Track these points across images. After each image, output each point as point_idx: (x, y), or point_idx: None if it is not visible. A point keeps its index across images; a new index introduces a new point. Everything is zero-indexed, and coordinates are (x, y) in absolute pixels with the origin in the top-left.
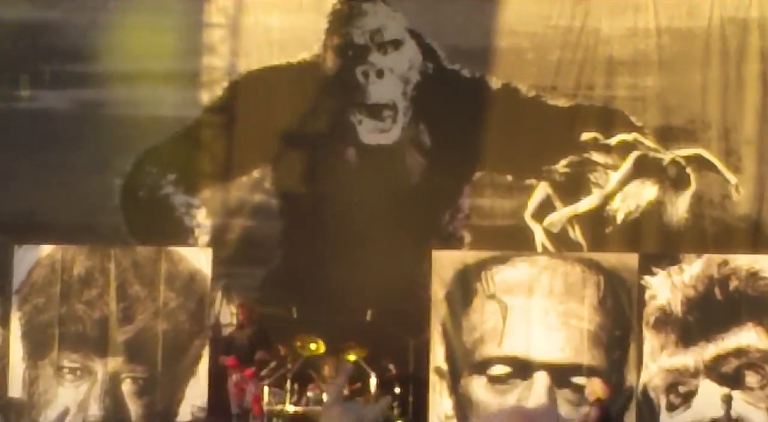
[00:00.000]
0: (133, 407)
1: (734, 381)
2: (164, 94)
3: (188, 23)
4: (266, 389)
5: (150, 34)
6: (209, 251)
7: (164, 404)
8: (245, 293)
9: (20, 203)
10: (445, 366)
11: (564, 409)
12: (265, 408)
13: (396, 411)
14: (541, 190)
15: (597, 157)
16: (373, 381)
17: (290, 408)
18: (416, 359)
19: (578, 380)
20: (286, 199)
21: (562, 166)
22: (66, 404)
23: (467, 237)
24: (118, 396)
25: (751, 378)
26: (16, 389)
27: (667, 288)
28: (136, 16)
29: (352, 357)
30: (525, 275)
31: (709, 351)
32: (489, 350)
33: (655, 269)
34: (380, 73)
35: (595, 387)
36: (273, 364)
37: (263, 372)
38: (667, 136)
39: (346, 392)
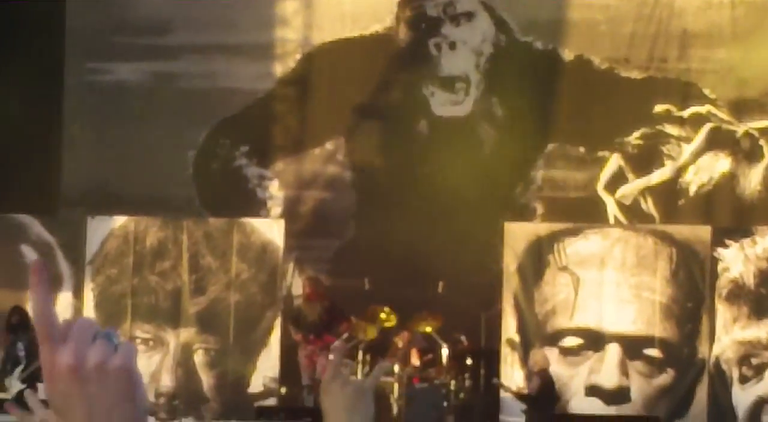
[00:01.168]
0: (205, 378)
1: None
2: (237, 66)
3: None
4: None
5: (223, 6)
6: (281, 223)
7: (236, 375)
8: (317, 265)
9: (93, 175)
10: (517, 338)
11: (635, 381)
12: None
13: (467, 383)
14: (614, 161)
15: (670, 129)
16: (444, 352)
17: None
18: (488, 331)
19: (651, 352)
20: (359, 171)
21: (634, 138)
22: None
23: (539, 209)
24: (190, 367)
25: None
26: None
27: (739, 261)
28: None
29: (424, 329)
30: (597, 247)
31: None
32: (561, 322)
33: (727, 241)
34: (453, 46)
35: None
36: (345, 336)
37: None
38: (740, 108)
39: (417, 363)
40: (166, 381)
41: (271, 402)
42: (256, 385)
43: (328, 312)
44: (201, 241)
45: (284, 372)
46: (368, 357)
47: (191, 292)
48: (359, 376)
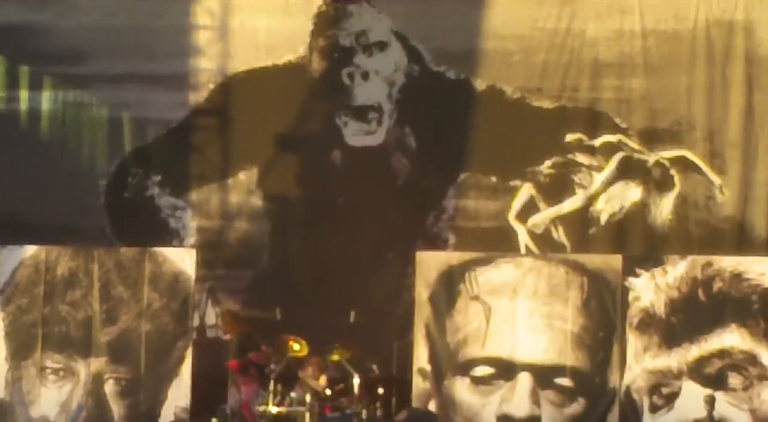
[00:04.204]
0: (116, 408)
1: (717, 382)
2: (151, 95)
3: (176, 25)
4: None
5: (138, 36)
6: (193, 252)
7: (147, 405)
8: (231, 295)
9: (4, 204)
10: (428, 367)
11: (546, 410)
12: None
13: (379, 412)
14: (525, 191)
15: (581, 158)
16: (356, 381)
17: (273, 409)
18: (400, 360)
19: (562, 381)
20: (273, 201)
21: (546, 167)
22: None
23: (451, 239)
24: (101, 397)
25: (734, 380)
26: None
27: (650, 290)
28: (123, 19)
29: (335, 358)
30: (509, 276)
31: (692, 352)
32: (472, 351)
33: (638, 270)
34: (365, 75)
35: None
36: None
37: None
38: (651, 137)
39: (329, 392)
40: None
41: None
42: (167, 415)
43: (239, 345)
44: (112, 271)
45: (196, 402)
46: (279, 387)
47: (102, 322)
48: (271, 406)
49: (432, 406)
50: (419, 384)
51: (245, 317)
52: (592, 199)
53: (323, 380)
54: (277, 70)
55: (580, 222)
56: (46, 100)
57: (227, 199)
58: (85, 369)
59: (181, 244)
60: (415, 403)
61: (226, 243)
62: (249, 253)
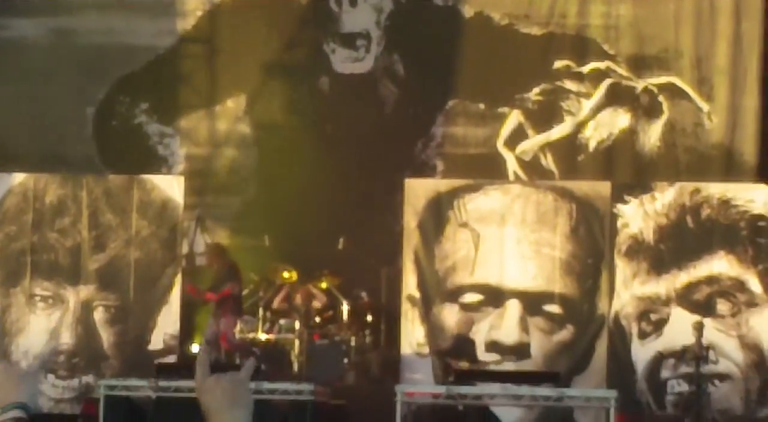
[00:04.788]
0: (105, 335)
1: (706, 308)
2: (138, 23)
3: None
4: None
5: None
6: (181, 179)
7: (136, 332)
8: (219, 223)
9: None
10: (417, 294)
11: (535, 337)
12: (238, 336)
13: (368, 340)
14: (514, 118)
15: (569, 85)
16: (345, 309)
17: (262, 336)
18: (388, 288)
19: (550, 308)
20: (261, 128)
21: (534, 94)
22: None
23: (440, 166)
24: (90, 324)
25: (723, 306)
26: None
27: (639, 217)
28: None
29: (324, 285)
30: (497, 203)
31: (680, 279)
32: (461, 278)
33: (627, 197)
34: (353, 2)
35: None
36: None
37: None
38: (639, 64)
39: (318, 319)
40: (66, 339)
41: (172, 359)
42: (156, 342)
43: (220, 276)
44: (101, 198)
45: (184, 330)
46: (269, 314)
47: (91, 249)
48: (260, 333)
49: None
50: (408, 311)
51: (232, 246)
52: (580, 126)
53: (316, 315)
54: None
55: (569, 149)
56: (33, 27)
57: (215, 126)
58: (74, 296)
59: (169, 172)
60: (457, 330)
61: (215, 171)
62: (237, 181)
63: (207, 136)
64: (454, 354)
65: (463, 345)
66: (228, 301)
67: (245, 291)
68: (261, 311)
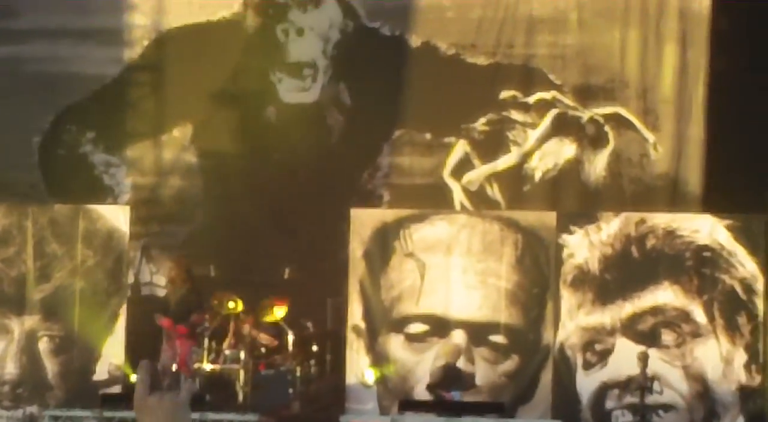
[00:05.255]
0: (50, 365)
1: (650, 339)
2: (85, 51)
3: None
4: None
5: None
6: (127, 209)
7: (81, 362)
8: (165, 252)
9: None
10: (362, 324)
11: (480, 367)
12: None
13: (313, 370)
14: (460, 148)
15: (516, 114)
16: (290, 339)
17: (207, 367)
18: (334, 317)
19: (496, 338)
20: (208, 157)
21: (480, 124)
22: None
23: (386, 196)
24: (34, 355)
25: (667, 337)
26: None
27: (584, 247)
28: None
29: (272, 315)
30: (443, 233)
31: (625, 309)
32: (407, 308)
33: (572, 227)
34: (300, 32)
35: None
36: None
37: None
38: (585, 94)
39: (263, 350)
40: (10, 369)
41: (117, 389)
42: (101, 372)
43: (184, 300)
44: (46, 228)
45: (130, 359)
46: (214, 344)
47: (36, 279)
48: (206, 364)
49: (460, 363)
50: (353, 342)
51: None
52: (526, 156)
53: (264, 336)
54: (212, 26)
55: (515, 179)
56: None
57: (161, 155)
58: (18, 326)
59: (115, 201)
60: (445, 360)
61: (160, 200)
62: (183, 210)
63: (153, 166)
64: (444, 385)
65: (452, 374)
66: (192, 329)
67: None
68: (206, 341)
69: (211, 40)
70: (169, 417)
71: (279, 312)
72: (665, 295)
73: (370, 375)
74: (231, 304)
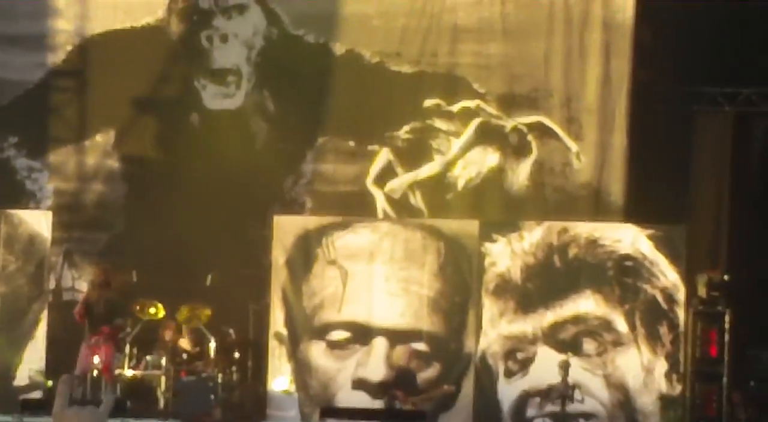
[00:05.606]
0: None
1: (572, 348)
2: (8, 56)
3: None
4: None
5: None
6: (49, 214)
7: (1, 368)
8: (87, 258)
9: None
10: (284, 331)
11: None
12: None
13: (235, 377)
14: (383, 155)
15: (439, 123)
16: (212, 345)
17: (128, 372)
18: (256, 324)
19: (418, 345)
20: (130, 163)
21: (404, 132)
22: None
23: (309, 203)
24: None
25: (589, 346)
26: None
27: (507, 256)
28: None
29: (194, 322)
30: (366, 241)
31: (547, 318)
32: (329, 315)
33: (495, 236)
34: (224, 38)
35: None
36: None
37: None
38: (509, 103)
39: (185, 356)
40: None
41: (37, 395)
42: (21, 378)
43: (108, 305)
44: None
45: (51, 365)
46: (135, 351)
47: None
48: (126, 370)
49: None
50: (275, 348)
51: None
52: (449, 165)
53: (185, 342)
54: (136, 32)
55: (438, 187)
56: None
57: (84, 160)
58: None
59: (37, 207)
60: (399, 362)
61: (83, 206)
62: (105, 215)
63: (75, 171)
64: (397, 387)
65: (405, 376)
66: (115, 334)
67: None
68: (128, 347)
69: (135, 46)
70: None
71: (201, 318)
72: (587, 304)
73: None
74: (152, 310)
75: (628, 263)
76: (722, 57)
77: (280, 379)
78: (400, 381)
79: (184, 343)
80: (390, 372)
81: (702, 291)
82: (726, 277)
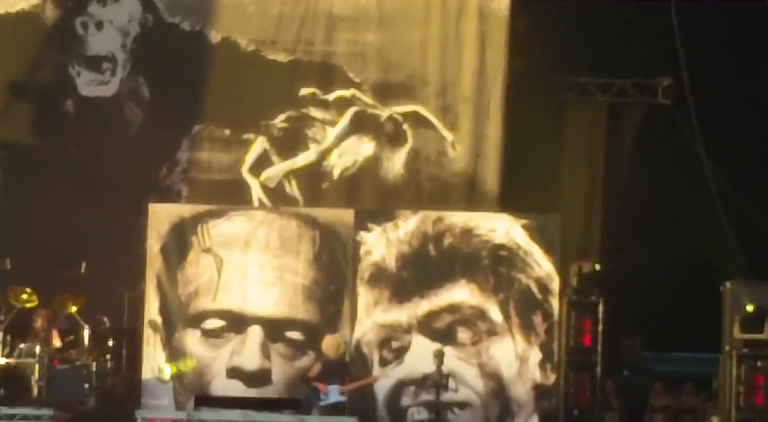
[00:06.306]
0: None
1: (447, 337)
2: None
3: None
4: None
5: None
6: None
7: None
8: None
9: None
10: (159, 320)
11: (277, 363)
12: None
13: (109, 365)
14: (259, 144)
15: (315, 112)
16: (86, 333)
17: (2, 360)
18: (130, 312)
19: (292, 334)
20: (6, 149)
21: (280, 121)
22: None
23: (184, 191)
24: None
25: (464, 335)
26: None
27: (382, 244)
28: None
29: (68, 309)
30: (241, 229)
31: (422, 307)
32: (204, 304)
33: (370, 225)
34: (99, 25)
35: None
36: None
37: None
38: (385, 92)
39: (58, 344)
40: None
41: None
42: None
43: None
44: None
45: None
46: (9, 338)
47: None
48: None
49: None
50: (150, 336)
51: None
52: (325, 154)
53: (56, 338)
54: (10, 18)
55: (313, 176)
56: None
57: None
58: None
59: None
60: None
61: None
62: None
63: None
64: (324, 378)
65: (334, 369)
66: None
67: None
68: (1, 335)
69: (9, 32)
70: None
71: (75, 306)
72: (462, 293)
73: (167, 370)
74: (25, 296)
75: (503, 252)
76: (596, 47)
77: (165, 366)
78: (335, 371)
79: (54, 338)
80: (324, 363)
81: (574, 281)
82: (598, 267)
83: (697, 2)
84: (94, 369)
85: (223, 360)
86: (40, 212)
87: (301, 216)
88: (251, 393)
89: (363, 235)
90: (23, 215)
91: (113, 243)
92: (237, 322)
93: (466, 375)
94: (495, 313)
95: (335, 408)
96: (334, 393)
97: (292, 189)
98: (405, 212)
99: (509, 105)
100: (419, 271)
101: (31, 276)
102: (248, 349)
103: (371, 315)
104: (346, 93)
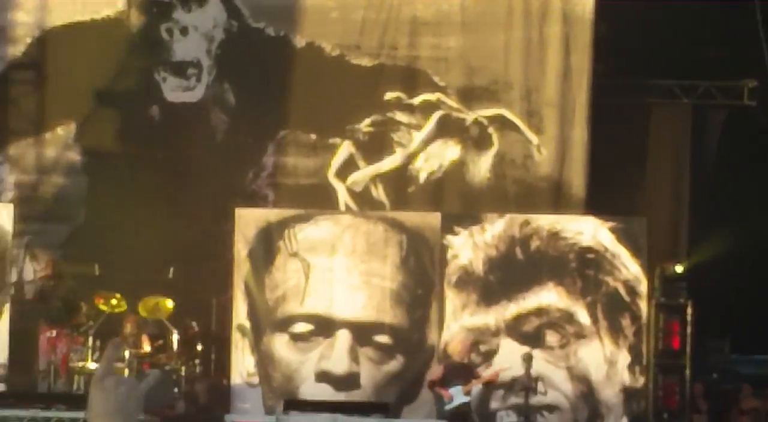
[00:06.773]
0: None
1: (535, 340)
2: None
3: None
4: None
5: None
6: (11, 207)
7: None
8: (49, 251)
9: None
10: (247, 324)
11: (365, 367)
12: (70, 364)
13: (198, 369)
14: (345, 149)
15: (400, 116)
16: (175, 338)
17: (91, 365)
18: (219, 317)
19: (380, 338)
20: (92, 156)
21: (365, 125)
22: None
23: (271, 196)
24: None
25: (551, 338)
26: None
27: (468, 248)
28: None
29: (156, 314)
30: (328, 233)
31: (510, 310)
32: (291, 308)
33: (457, 228)
34: (184, 31)
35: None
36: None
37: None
38: (469, 96)
39: (147, 349)
40: None
41: (1, 388)
42: None
43: (62, 298)
44: None
45: (14, 358)
46: (98, 343)
47: None
48: (90, 362)
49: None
50: (238, 341)
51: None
52: (411, 158)
53: (146, 343)
54: (95, 25)
55: (399, 180)
56: None
57: (44, 153)
58: None
59: None
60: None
61: (43, 198)
62: (66, 208)
63: (35, 163)
64: (445, 382)
65: (458, 369)
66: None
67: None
68: (90, 340)
69: (95, 39)
70: (118, 403)
71: (163, 311)
72: (549, 296)
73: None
74: (114, 302)
75: (590, 255)
76: (681, 50)
77: None
78: (458, 372)
79: (144, 343)
80: (446, 366)
81: (661, 283)
82: (680, 269)
83: None
84: (183, 373)
85: (311, 364)
86: (126, 218)
87: (388, 220)
88: (340, 396)
89: (450, 239)
90: (109, 221)
91: (200, 248)
92: (325, 326)
93: (554, 378)
94: (583, 316)
95: (459, 412)
96: (458, 395)
97: (379, 193)
98: (491, 215)
99: (593, 108)
100: (506, 274)
101: (119, 282)
102: (336, 353)
103: (459, 319)
104: (432, 97)
